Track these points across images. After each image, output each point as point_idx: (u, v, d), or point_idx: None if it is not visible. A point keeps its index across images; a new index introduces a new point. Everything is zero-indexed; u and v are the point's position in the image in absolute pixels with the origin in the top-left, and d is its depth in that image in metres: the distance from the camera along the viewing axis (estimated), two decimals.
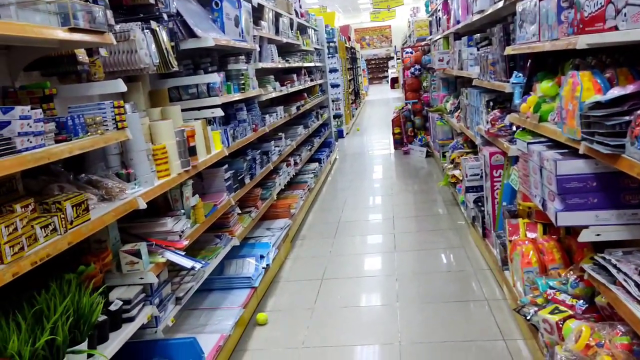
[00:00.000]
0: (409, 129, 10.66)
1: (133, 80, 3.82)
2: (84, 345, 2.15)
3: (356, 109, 18.68)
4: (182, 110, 4.08)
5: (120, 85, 2.68)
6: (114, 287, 2.77)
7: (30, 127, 1.98)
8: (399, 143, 10.85)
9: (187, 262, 2.94)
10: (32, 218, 2.04)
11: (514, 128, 3.78)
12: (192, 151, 3.49)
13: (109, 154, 2.89)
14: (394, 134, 10.92)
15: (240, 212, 4.66)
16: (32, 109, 2.00)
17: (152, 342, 2.89)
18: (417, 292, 4.36)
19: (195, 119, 3.97)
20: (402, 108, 10.95)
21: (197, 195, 3.59)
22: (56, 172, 2.59)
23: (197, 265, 2.95)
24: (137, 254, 2.76)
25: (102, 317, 2.44)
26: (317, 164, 8.32)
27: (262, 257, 4.63)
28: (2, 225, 1.78)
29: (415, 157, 10.15)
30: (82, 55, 2.86)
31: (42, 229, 2.02)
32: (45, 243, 2.01)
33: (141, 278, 2.79)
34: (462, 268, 4.73)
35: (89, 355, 2.20)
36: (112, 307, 2.56)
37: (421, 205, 6.94)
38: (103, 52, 3.07)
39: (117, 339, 2.47)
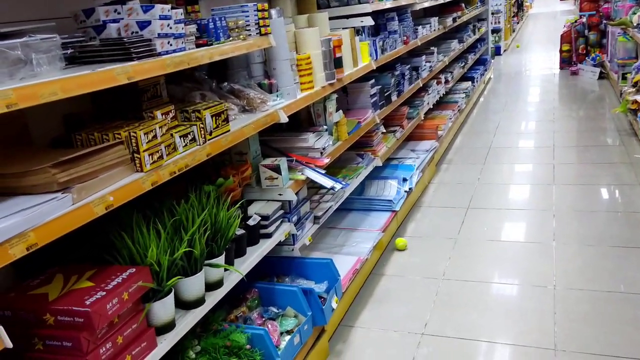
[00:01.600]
0: (580, 46, 9.37)
1: None
2: (220, 259, 2.11)
3: (517, 22, 16.97)
4: (330, 18, 3.82)
5: None
6: (253, 202, 2.72)
7: (171, 28, 1.86)
8: (566, 62, 9.65)
9: (327, 182, 2.79)
10: (172, 126, 1.97)
11: None
12: (338, 63, 3.24)
13: (251, 63, 2.75)
14: (561, 51, 9.71)
15: (384, 131, 4.40)
16: (172, 8, 1.87)
17: (288, 260, 2.85)
18: (578, 232, 3.86)
19: (343, 28, 3.69)
20: (575, 21, 9.61)
21: (340, 111, 3.39)
22: (199, 79, 2.51)
23: (337, 186, 2.79)
24: (276, 169, 2.65)
25: (240, 232, 2.40)
26: (469, 82, 7.68)
27: (404, 180, 4.38)
28: (142, 132, 1.71)
29: (584, 79, 8.97)
30: None
31: (182, 138, 1.95)
32: (184, 153, 1.94)
33: (280, 194, 2.70)
34: (636, 209, 4.09)
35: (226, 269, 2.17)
36: (251, 222, 2.51)
37: (588, 134, 6.12)
38: None
39: (254, 255, 2.43)
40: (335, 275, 2.85)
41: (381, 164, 4.13)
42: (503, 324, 2.94)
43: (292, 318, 2.58)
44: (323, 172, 2.90)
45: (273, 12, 3.27)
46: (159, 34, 1.81)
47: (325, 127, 3.24)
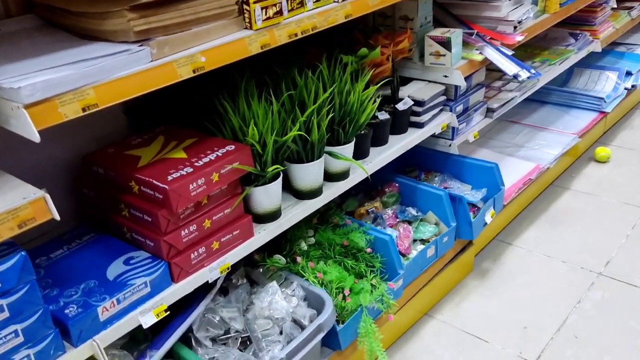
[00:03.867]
0: None
1: None
2: (346, 148, 1.76)
3: None
4: None
5: None
6: (412, 80, 2.25)
7: None
8: None
9: (510, 67, 2.17)
10: None
11: None
12: None
13: None
14: None
15: (614, 6, 3.39)
16: None
17: (444, 155, 2.38)
18: None
19: None
20: None
21: None
22: None
23: (524, 74, 2.16)
24: (446, 44, 2.11)
25: (384, 116, 2.00)
26: None
27: (628, 73, 3.42)
28: None
29: None
30: None
31: None
32: (313, 11, 1.53)
33: (445, 76, 2.18)
34: None
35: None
36: (400, 106, 2.07)
37: None
38: None
39: (397, 145, 2.03)
40: (498, 184, 2.34)
41: (600, 50, 3.23)
42: None
43: (432, 225, 2.19)
44: (510, 53, 2.26)
45: None
46: None
47: None
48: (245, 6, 1.36)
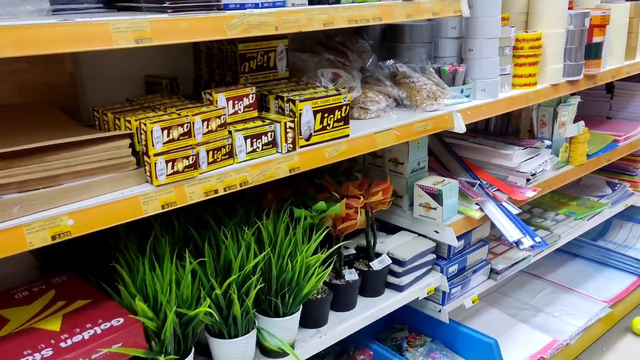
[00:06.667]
0: None
1: None
2: (287, 321, 1.43)
3: None
4: None
5: None
6: (400, 230, 1.94)
7: None
8: None
9: (511, 231, 1.83)
10: (239, 119, 1.31)
11: None
12: (594, 51, 2.13)
13: (440, 37, 1.89)
14: None
15: None
16: None
17: (428, 318, 2.00)
18: None
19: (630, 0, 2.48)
20: None
21: (581, 123, 2.28)
22: (348, 48, 1.78)
23: (526, 243, 1.80)
24: (436, 196, 1.81)
25: (352, 276, 1.68)
26: None
27: None
28: (157, 125, 1.10)
29: None
30: None
31: (249, 140, 1.28)
32: (245, 163, 1.28)
33: (436, 232, 1.86)
34: None
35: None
36: (375, 265, 1.75)
37: None
38: None
39: (368, 312, 1.69)
40: None
41: None
42: None
43: None
44: (516, 212, 1.93)
45: None
46: None
47: (548, 142, 2.20)
48: (145, 158, 1.12)
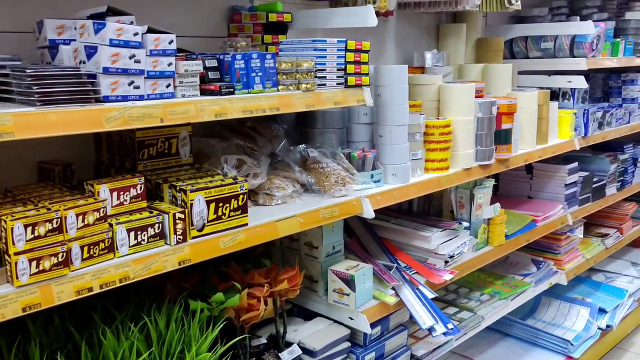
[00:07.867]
0: None
1: (459, 21, 2.73)
2: None
3: None
4: (521, 72, 2.79)
5: (368, 16, 1.62)
6: (316, 317, 1.88)
7: (136, 61, 1.17)
8: None
9: (424, 317, 1.80)
10: (134, 209, 1.26)
11: None
12: (503, 137, 2.21)
13: (353, 122, 1.92)
14: None
15: (583, 235, 3.10)
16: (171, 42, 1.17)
17: None
18: None
19: (540, 88, 2.61)
20: None
21: (497, 205, 2.32)
22: (259, 133, 1.78)
23: (439, 330, 1.77)
24: (349, 282, 1.77)
25: None
26: None
27: (601, 310, 3.01)
28: (18, 222, 1.04)
29: None
30: None
31: (133, 233, 1.23)
32: (127, 257, 1.22)
33: (350, 318, 1.80)
34: None
35: None
36: (285, 356, 1.67)
37: None
38: None
39: None
40: None
41: (566, 283, 2.87)
42: None
43: None
44: (431, 296, 1.90)
45: (428, 55, 2.41)
46: (105, 69, 1.12)
47: (466, 223, 2.23)
48: (5, 257, 1.05)
